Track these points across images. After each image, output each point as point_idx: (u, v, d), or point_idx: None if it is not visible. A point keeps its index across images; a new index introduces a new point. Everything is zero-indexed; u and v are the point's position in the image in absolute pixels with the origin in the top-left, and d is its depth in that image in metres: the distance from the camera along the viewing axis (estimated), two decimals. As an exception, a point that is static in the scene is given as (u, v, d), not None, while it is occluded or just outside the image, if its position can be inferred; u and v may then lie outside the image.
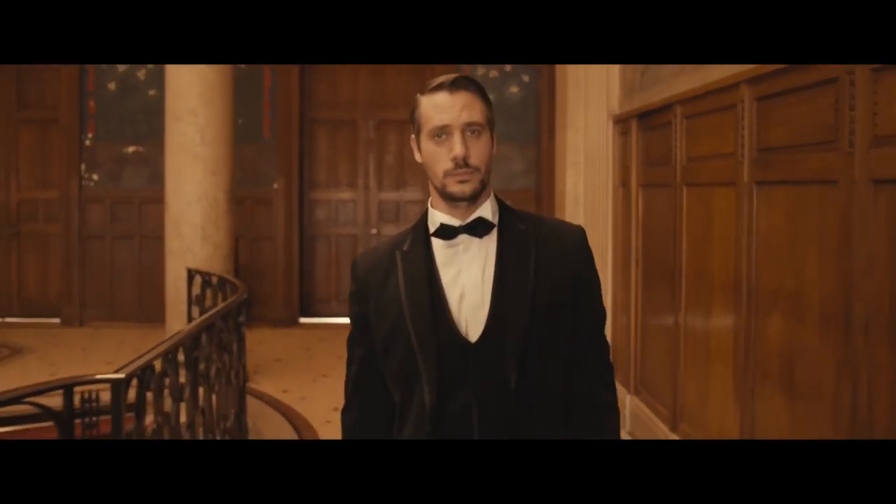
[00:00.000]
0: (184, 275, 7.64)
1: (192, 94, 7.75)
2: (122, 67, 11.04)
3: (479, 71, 10.93)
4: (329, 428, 6.43)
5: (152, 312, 10.43)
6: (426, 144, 2.14)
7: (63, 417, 3.16)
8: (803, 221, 3.62)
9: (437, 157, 2.10)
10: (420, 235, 2.18)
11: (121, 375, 3.24)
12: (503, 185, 10.85)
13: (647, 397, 6.03)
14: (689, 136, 5.12)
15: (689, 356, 5.14)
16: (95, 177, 11.13)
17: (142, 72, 11.03)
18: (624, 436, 6.36)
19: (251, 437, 6.06)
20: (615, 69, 6.79)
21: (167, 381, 3.84)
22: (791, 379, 3.74)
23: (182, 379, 4.13)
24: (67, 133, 11.12)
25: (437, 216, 2.16)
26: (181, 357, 4.12)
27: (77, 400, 3.40)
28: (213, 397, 4.98)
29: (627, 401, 6.33)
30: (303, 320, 11.22)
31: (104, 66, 11.03)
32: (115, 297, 11.09)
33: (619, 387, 6.49)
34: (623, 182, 6.55)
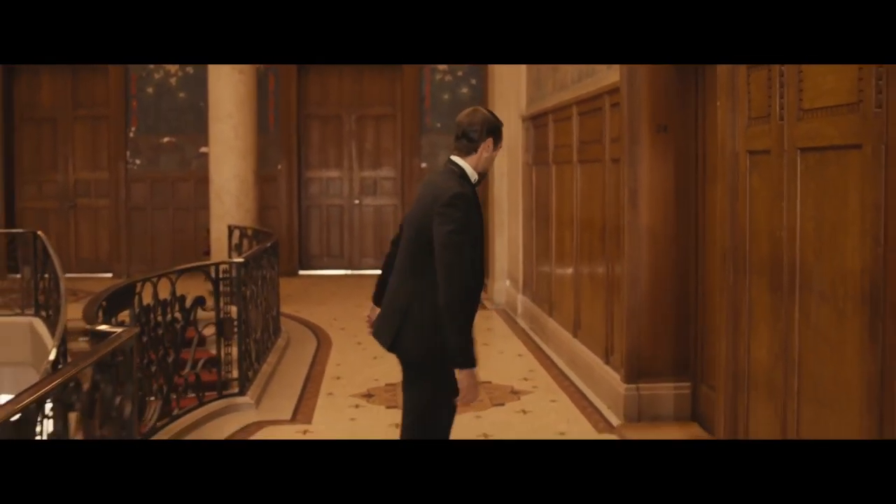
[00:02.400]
0: (225, 231, 10.73)
1: (228, 102, 10.88)
2: (157, 74, 14.10)
3: (437, 75, 14.04)
4: (334, 328, 9.59)
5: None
6: (494, 150, 3.76)
7: (215, 281, 6.33)
8: (591, 181, 6.87)
9: (493, 159, 3.87)
10: (469, 185, 3.73)
11: (240, 259, 6.42)
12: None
13: (532, 296, 9.34)
14: (556, 132, 8.33)
15: (557, 265, 8.37)
16: (138, 161, 14.20)
17: (174, 79, 14.09)
18: (519, 321, 9.66)
19: (284, 338, 8.97)
20: (523, 84, 9.97)
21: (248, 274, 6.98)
22: (581, 260, 7.01)
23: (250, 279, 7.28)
24: (115, 127, 14.18)
25: (473, 178, 3.77)
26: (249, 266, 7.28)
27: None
28: (253, 311, 8.07)
29: (519, 298, 9.69)
30: (301, 272, 14.33)
31: (144, 74, 14.07)
32: (155, 255, 14.14)
33: (511, 288, 9.94)
34: (525, 162, 9.78)
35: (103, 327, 3.84)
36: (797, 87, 3.60)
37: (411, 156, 13.95)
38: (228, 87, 10.89)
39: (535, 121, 9.18)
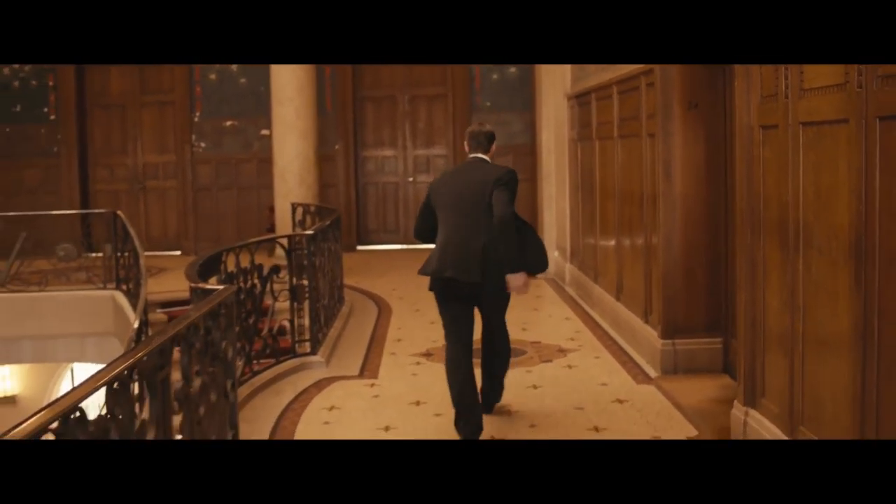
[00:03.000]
0: (289, 209, 11.42)
1: (290, 87, 11.55)
2: (219, 62, 14.82)
3: (486, 56, 14.58)
4: (393, 297, 10.26)
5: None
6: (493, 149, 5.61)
7: (288, 251, 7.00)
8: (630, 155, 7.44)
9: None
10: None
11: (310, 232, 7.09)
12: (507, 141, 14.53)
13: (579, 264, 9.93)
14: (598, 110, 8.89)
15: (601, 234, 8.96)
16: (203, 144, 14.96)
17: (235, 65, 14.80)
18: (567, 288, 10.24)
19: (348, 306, 9.65)
20: (567, 66, 10.52)
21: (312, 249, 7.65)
22: (619, 235, 7.60)
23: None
24: (180, 112, 14.95)
25: None
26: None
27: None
28: (321, 280, 8.73)
29: (567, 267, 10.28)
30: (359, 247, 15.02)
31: (206, 61, 14.80)
32: (220, 232, 14.90)
33: (560, 258, 10.55)
34: (571, 138, 10.35)
35: (208, 286, 4.51)
36: (798, 70, 4.15)
37: (463, 134, 14.51)
38: (289, 74, 11.56)
39: (580, 99, 9.73)
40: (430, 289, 5.44)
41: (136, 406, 2.89)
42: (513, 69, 14.65)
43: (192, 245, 14.93)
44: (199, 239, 14.97)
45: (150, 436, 2.99)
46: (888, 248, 3.46)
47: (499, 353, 5.71)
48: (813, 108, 4.05)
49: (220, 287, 4.28)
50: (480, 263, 5.15)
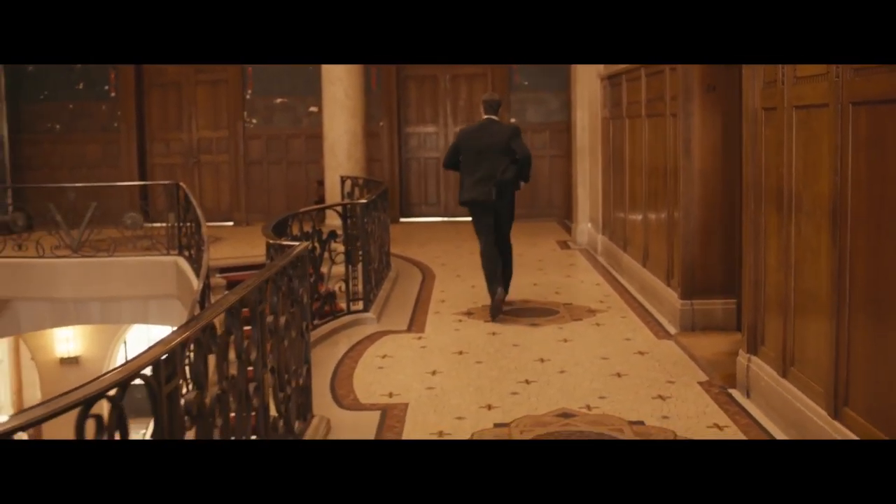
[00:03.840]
0: (338, 181, 12.18)
1: (339, 68, 12.30)
2: (270, 42, 15.57)
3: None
4: (436, 264, 11.02)
5: (298, 215, 15.07)
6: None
7: (344, 217, 7.76)
8: (655, 133, 8.12)
9: None
10: None
11: (364, 201, 7.86)
12: (544, 119, 15.26)
13: (610, 235, 10.63)
14: (628, 91, 9.57)
15: (630, 206, 9.65)
16: (254, 121, 15.78)
17: (285, 45, 15.55)
18: (599, 258, 10.94)
19: (394, 272, 10.41)
20: (601, 47, 11.17)
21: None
22: (635, 202, 8.29)
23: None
24: (233, 90, 15.76)
25: None
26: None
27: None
28: (372, 245, 9.49)
29: (599, 238, 11.00)
30: (402, 219, 15.78)
31: (257, 42, 15.57)
32: (270, 204, 15.72)
33: (592, 230, 11.28)
34: (604, 116, 11.03)
35: (286, 242, 5.29)
36: (792, 61, 4.84)
37: (502, 111, 15.15)
38: (339, 54, 12.29)
39: (612, 80, 10.40)
40: (462, 204, 8.28)
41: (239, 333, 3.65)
42: (550, 50, 15.27)
43: (244, 216, 15.78)
44: (250, 210, 15.81)
45: (254, 355, 3.76)
46: (857, 213, 4.15)
47: (504, 252, 8.26)
48: (803, 93, 4.73)
49: (297, 244, 5.05)
50: (496, 188, 7.91)
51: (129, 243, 11.99)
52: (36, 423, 2.17)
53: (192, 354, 3.09)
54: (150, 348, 2.77)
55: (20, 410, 2.45)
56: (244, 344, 3.58)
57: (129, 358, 2.72)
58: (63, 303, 12.12)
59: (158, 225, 12.27)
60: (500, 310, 7.95)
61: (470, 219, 8.40)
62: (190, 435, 3.07)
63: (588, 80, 11.79)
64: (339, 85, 12.32)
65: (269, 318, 4.09)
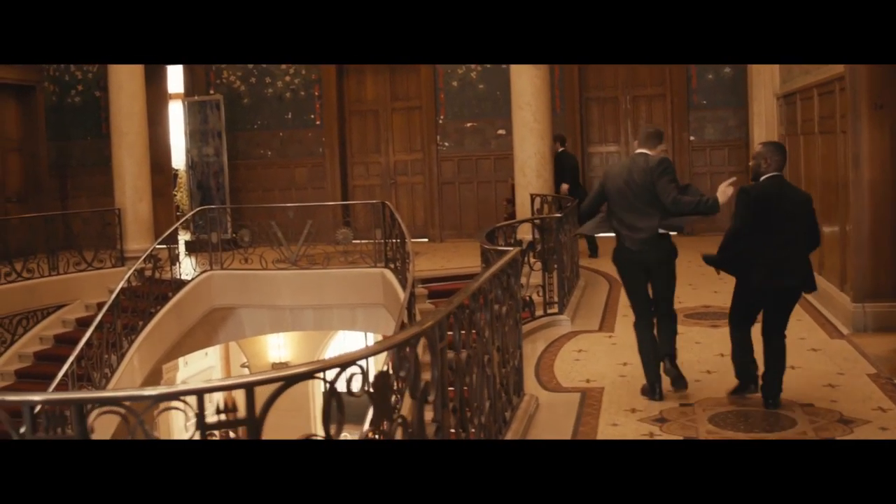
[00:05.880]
0: (528, 199, 13.15)
1: (527, 93, 13.29)
2: (460, 70, 16.77)
3: (703, 58, 15.92)
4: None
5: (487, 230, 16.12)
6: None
7: (541, 229, 8.71)
8: (828, 149, 8.76)
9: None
10: None
11: (559, 215, 8.80)
12: (722, 136, 15.85)
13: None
14: (802, 109, 10.20)
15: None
16: (446, 144, 16.97)
17: (474, 73, 16.72)
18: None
19: (583, 281, 11.29)
20: (776, 67, 11.80)
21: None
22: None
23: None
24: (427, 115, 17.00)
25: None
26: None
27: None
28: (565, 255, 10.39)
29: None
30: (585, 234, 16.61)
31: (449, 70, 16.80)
32: (462, 222, 16.86)
33: None
34: (780, 133, 11.65)
35: (501, 247, 6.32)
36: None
37: (681, 130, 15.92)
38: (527, 81, 13.29)
39: (786, 99, 11.03)
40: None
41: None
42: (727, 69, 15.87)
43: (438, 233, 16.96)
44: (443, 227, 16.98)
45: (487, 333, 4.75)
46: None
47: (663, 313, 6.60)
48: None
49: (511, 248, 6.05)
50: (654, 239, 6.40)
51: (340, 257, 13.29)
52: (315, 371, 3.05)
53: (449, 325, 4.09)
54: (424, 319, 3.77)
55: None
56: (481, 323, 4.58)
57: (409, 324, 3.71)
58: (281, 310, 13.50)
59: (360, 242, 13.55)
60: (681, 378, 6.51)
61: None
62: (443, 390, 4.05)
63: (763, 98, 12.42)
64: (528, 109, 13.30)
65: (496, 307, 5.08)
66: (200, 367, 18.76)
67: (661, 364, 6.41)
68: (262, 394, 2.87)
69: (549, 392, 6.53)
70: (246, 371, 19.25)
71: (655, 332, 6.53)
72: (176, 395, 2.73)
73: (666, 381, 6.39)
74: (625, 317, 9.14)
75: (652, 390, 6.36)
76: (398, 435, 3.28)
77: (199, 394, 2.72)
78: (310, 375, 2.88)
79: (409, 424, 3.36)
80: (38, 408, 2.72)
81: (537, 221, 9.11)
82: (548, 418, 5.88)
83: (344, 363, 2.99)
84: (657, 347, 6.46)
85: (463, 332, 4.29)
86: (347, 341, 19.65)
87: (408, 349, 3.39)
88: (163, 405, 2.73)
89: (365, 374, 3.08)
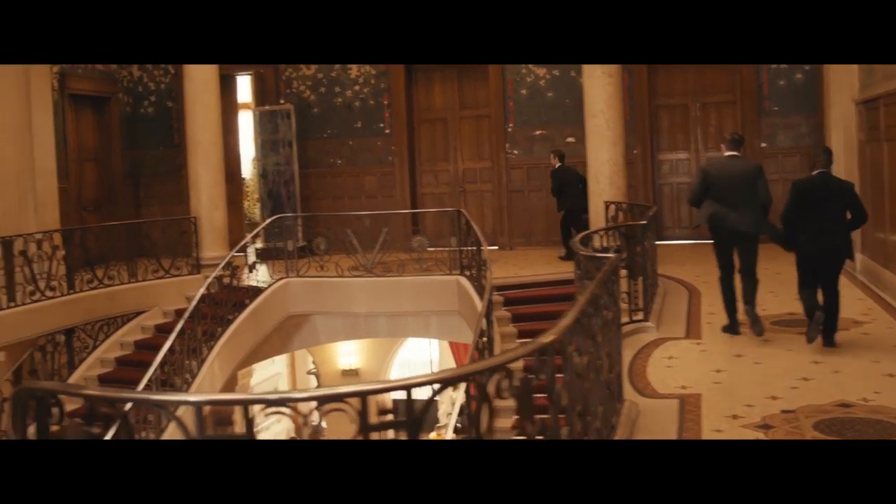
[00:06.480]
0: (602, 206, 13.15)
1: (600, 101, 13.30)
2: (529, 78, 16.83)
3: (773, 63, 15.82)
4: (699, 282, 11.80)
5: (556, 238, 16.08)
6: None
7: (626, 237, 8.73)
8: (918, 154, 8.68)
9: None
10: None
11: (644, 222, 8.79)
12: (794, 143, 15.73)
13: (869, 253, 11.14)
14: (886, 115, 10.11)
15: (890, 224, 10.15)
16: (515, 152, 17.02)
17: (542, 81, 16.76)
18: (858, 275, 11.42)
19: (662, 288, 11.26)
20: (855, 71, 11.70)
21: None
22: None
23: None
24: (495, 123, 17.07)
25: None
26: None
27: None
28: (647, 262, 10.39)
29: (857, 256, 11.52)
30: (656, 242, 16.55)
31: (517, 78, 16.87)
32: (531, 229, 16.90)
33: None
34: (860, 139, 11.55)
35: (601, 255, 6.36)
36: None
37: (751, 136, 15.81)
38: (599, 88, 13.31)
39: (867, 104, 10.94)
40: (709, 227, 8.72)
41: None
42: (799, 75, 15.76)
43: (507, 240, 17.01)
44: (513, 235, 17.04)
45: (599, 338, 4.79)
46: None
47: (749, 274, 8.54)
48: None
49: (610, 255, 6.08)
50: (758, 219, 8.38)
51: (414, 264, 13.38)
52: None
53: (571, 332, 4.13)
54: (552, 328, 3.82)
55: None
56: (594, 328, 4.62)
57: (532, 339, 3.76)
58: (355, 317, 13.62)
59: (433, 249, 13.63)
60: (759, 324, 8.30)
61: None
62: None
63: (841, 104, 12.31)
64: (601, 117, 13.31)
65: (605, 312, 5.12)
66: (268, 373, 18.99)
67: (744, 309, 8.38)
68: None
69: (647, 398, 6.54)
70: (313, 378, 19.45)
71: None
72: (340, 397, 2.80)
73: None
74: (709, 324, 9.12)
75: (731, 327, 8.55)
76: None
77: (363, 396, 2.79)
78: (465, 378, 2.94)
79: (547, 427, 3.42)
80: (206, 409, 2.81)
81: (623, 229, 9.12)
82: (650, 424, 5.89)
83: (494, 367, 3.05)
84: (737, 295, 8.51)
85: (583, 337, 4.33)
86: (414, 350, 19.81)
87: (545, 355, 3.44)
88: (328, 406, 2.80)
89: (511, 376, 3.13)
